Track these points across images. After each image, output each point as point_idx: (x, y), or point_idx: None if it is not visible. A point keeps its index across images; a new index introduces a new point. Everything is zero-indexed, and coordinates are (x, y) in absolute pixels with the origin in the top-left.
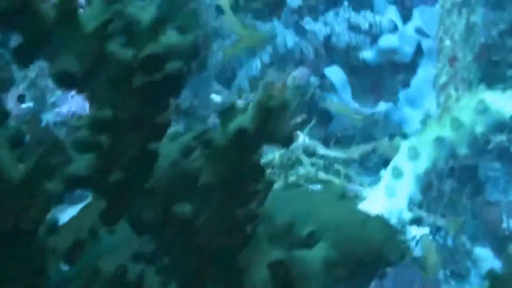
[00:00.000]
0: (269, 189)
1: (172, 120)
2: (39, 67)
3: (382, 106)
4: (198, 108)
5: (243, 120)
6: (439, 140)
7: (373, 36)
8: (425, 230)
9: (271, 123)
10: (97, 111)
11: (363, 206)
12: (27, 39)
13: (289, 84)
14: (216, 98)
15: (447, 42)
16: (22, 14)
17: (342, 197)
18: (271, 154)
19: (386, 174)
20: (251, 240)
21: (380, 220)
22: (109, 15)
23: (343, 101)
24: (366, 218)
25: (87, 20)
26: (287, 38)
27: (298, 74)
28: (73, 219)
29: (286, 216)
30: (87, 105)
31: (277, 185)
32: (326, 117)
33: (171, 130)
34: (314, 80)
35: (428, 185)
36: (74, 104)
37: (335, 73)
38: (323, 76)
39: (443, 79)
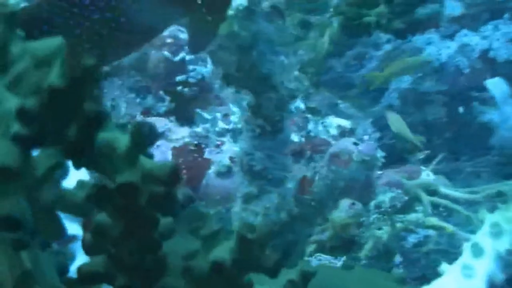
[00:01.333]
0: None
1: (247, 181)
2: (130, 115)
3: None
4: (273, 170)
5: (222, 251)
6: None
7: None
8: None
9: (253, 254)
10: (97, 217)
11: (436, 286)
12: None
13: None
14: (343, 123)
15: None
16: None
17: (402, 282)
18: (382, 196)
19: (465, 250)
20: None
21: None
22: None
23: (505, 115)
24: None
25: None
26: (442, 50)
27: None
28: None
29: None
30: (169, 158)
31: (384, 230)
32: (485, 131)
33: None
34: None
35: None
36: (158, 156)
37: (497, 86)
38: (482, 89)
39: None
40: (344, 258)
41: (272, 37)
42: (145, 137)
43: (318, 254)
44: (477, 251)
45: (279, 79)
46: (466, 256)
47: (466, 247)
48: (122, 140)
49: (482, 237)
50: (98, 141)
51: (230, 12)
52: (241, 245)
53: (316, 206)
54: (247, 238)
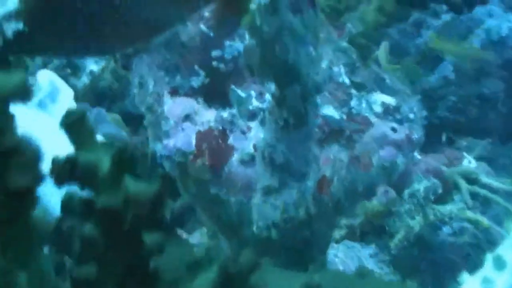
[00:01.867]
0: None
1: (268, 173)
2: (157, 93)
3: None
4: (294, 163)
5: (202, 282)
6: None
7: None
8: None
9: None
10: (84, 228)
11: None
12: None
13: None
14: (387, 100)
15: None
16: None
17: None
18: (417, 184)
19: (487, 262)
20: None
21: None
22: None
23: None
24: None
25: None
26: (503, 23)
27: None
28: None
29: None
30: (193, 142)
31: (416, 220)
32: None
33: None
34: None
35: None
36: (181, 139)
37: None
38: None
39: None
40: (373, 246)
41: (299, 30)
42: (128, 159)
43: (347, 240)
44: (500, 264)
45: (305, 71)
46: (487, 268)
47: (489, 258)
48: (105, 162)
49: (507, 249)
50: (81, 161)
51: (253, 5)
52: (222, 277)
53: (333, 207)
54: (229, 271)
